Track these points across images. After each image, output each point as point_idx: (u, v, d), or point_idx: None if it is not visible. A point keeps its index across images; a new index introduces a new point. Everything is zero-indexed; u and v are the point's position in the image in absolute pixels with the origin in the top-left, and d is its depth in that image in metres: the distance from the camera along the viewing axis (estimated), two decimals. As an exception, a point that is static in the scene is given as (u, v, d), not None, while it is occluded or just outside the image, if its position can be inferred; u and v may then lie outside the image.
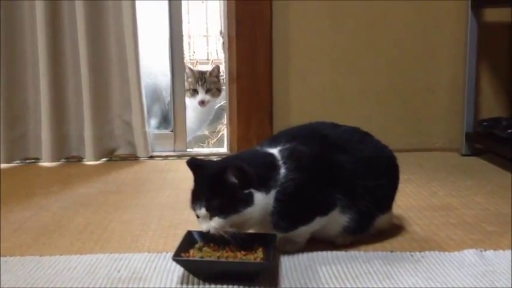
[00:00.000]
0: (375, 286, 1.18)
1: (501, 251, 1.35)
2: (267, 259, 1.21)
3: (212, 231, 1.22)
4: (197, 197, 1.24)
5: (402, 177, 1.48)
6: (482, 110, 2.58)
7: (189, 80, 2.88)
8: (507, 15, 2.48)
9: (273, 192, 1.27)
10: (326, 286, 1.19)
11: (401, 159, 1.48)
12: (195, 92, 2.88)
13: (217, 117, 3.33)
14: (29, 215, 1.71)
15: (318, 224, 1.33)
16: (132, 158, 2.51)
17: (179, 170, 2.31)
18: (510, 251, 1.36)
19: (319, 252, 1.35)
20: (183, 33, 2.67)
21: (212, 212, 1.22)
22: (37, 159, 2.47)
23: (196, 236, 1.30)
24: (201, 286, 1.19)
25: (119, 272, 1.27)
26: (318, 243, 1.38)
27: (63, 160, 2.47)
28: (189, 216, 1.57)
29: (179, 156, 2.55)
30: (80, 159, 2.49)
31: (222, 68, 2.93)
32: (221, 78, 2.97)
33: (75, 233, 1.54)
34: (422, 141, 2.61)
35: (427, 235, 1.50)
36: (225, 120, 3.09)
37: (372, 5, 2.53)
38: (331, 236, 1.40)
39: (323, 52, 2.57)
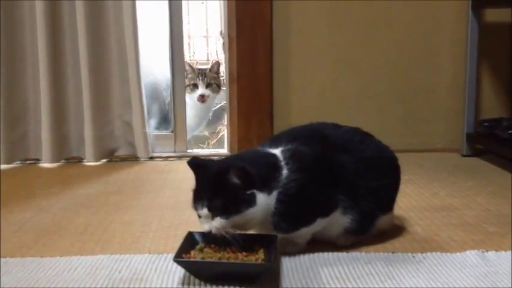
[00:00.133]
0: (377, 287, 1.18)
1: (503, 252, 1.35)
2: (268, 260, 1.21)
3: (214, 231, 1.22)
4: (199, 197, 1.24)
5: (403, 177, 1.47)
6: (483, 111, 2.58)
7: (189, 76, 2.88)
8: (508, 16, 2.48)
9: (274, 193, 1.27)
10: (327, 287, 1.19)
11: (402, 159, 1.48)
12: (195, 86, 2.88)
13: (217, 118, 3.33)
14: (29, 216, 1.71)
15: (319, 225, 1.33)
16: (133, 158, 2.51)
17: (179, 170, 2.30)
18: (511, 251, 1.35)
19: (321, 253, 1.35)
20: (183, 34, 2.66)
21: (214, 212, 1.21)
22: (37, 160, 2.47)
23: (197, 237, 1.30)
24: (202, 287, 1.18)
25: (119, 273, 1.26)
26: (319, 244, 1.38)
27: (63, 161, 2.47)
28: (189, 217, 1.58)
29: (179, 157, 2.55)
30: (80, 159, 2.49)
31: (222, 68, 2.93)
32: (221, 75, 2.98)
33: (76, 234, 1.54)
34: (422, 142, 2.61)
35: (428, 236, 1.49)
36: (224, 121, 3.09)
37: (373, 5, 2.53)
38: (332, 236, 1.39)
39: (323, 52, 2.57)
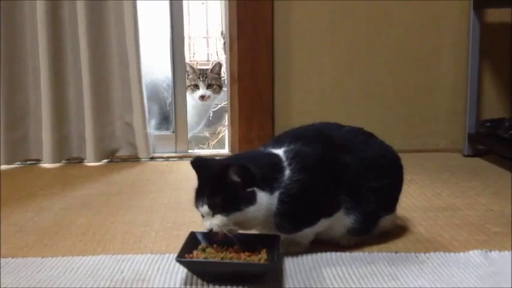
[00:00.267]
0: (380, 287, 1.17)
1: (506, 252, 1.35)
2: (271, 260, 1.21)
3: (215, 229, 1.21)
4: (200, 195, 1.24)
5: (405, 178, 1.47)
6: (485, 111, 2.57)
7: (190, 76, 2.87)
8: (509, 16, 2.47)
9: (276, 193, 1.26)
10: (331, 287, 1.18)
11: (404, 159, 1.47)
12: (195, 87, 2.88)
13: (217, 119, 3.32)
14: (30, 216, 1.70)
15: (322, 225, 1.32)
16: (133, 159, 2.50)
17: (180, 171, 2.30)
18: (511, 252, 1.35)
19: (323, 254, 1.34)
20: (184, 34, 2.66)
21: (214, 210, 1.21)
22: (38, 160, 2.46)
23: (199, 237, 1.30)
24: (204, 287, 1.18)
25: (122, 273, 1.26)
26: (322, 244, 1.37)
27: (64, 161, 2.46)
28: (191, 217, 1.58)
29: (180, 157, 2.55)
30: (81, 160, 2.48)
31: (223, 69, 2.93)
32: (222, 76, 2.97)
33: (77, 234, 1.54)
34: (424, 142, 2.60)
35: (431, 236, 1.49)
36: (225, 122, 3.09)
37: (374, 5, 2.52)
38: (335, 237, 1.39)
39: (325, 52, 2.56)
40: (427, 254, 1.34)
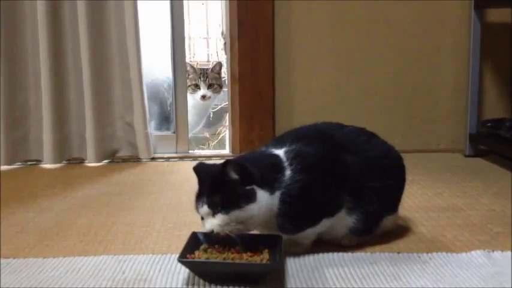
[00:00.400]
0: (383, 287, 1.17)
1: (509, 252, 1.34)
2: (273, 260, 1.20)
3: (216, 229, 1.20)
4: (199, 197, 1.24)
5: (406, 178, 1.46)
6: (486, 111, 2.57)
7: (190, 76, 2.87)
8: (510, 16, 2.47)
9: (277, 194, 1.26)
10: (333, 287, 1.18)
11: (405, 160, 1.46)
12: (196, 87, 2.89)
13: (217, 119, 3.32)
14: (31, 217, 1.70)
15: (324, 225, 1.32)
16: (134, 159, 2.50)
17: (181, 171, 2.30)
18: (511, 252, 1.35)
19: (325, 254, 1.34)
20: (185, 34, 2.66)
21: (214, 209, 1.20)
22: (38, 161, 2.46)
23: (201, 237, 1.29)
24: (206, 287, 1.18)
25: (123, 273, 1.25)
26: (324, 244, 1.37)
27: (64, 162, 2.46)
28: (192, 218, 1.57)
29: (181, 158, 2.54)
30: (81, 160, 2.48)
31: (224, 69, 2.93)
32: (222, 75, 2.98)
33: (79, 235, 1.53)
34: (425, 142, 2.60)
35: (433, 236, 1.49)
36: (225, 122, 3.08)
37: (375, 5, 2.52)
38: (337, 237, 1.39)
39: (325, 52, 2.56)
40: (429, 254, 1.34)
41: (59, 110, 2.40)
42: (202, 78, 2.88)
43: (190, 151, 2.64)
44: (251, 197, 1.21)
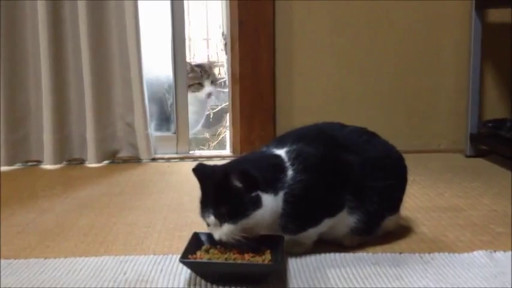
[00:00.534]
0: (385, 287, 1.17)
1: (511, 253, 1.34)
2: (275, 261, 1.20)
3: (224, 238, 1.21)
4: (205, 205, 1.23)
5: (408, 178, 1.46)
6: (487, 111, 2.57)
7: (190, 75, 2.87)
8: (511, 16, 2.47)
9: (281, 194, 1.25)
10: (335, 287, 1.17)
11: (406, 160, 1.46)
12: (200, 85, 2.89)
13: (217, 120, 3.32)
14: (32, 218, 1.69)
15: (326, 225, 1.32)
16: (135, 160, 2.50)
17: (182, 172, 2.29)
18: (511, 251, 1.34)
19: (327, 254, 1.34)
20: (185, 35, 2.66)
21: (221, 219, 1.20)
22: (39, 161, 2.45)
23: (202, 237, 1.29)
24: (208, 288, 1.18)
25: (125, 274, 1.25)
26: (326, 244, 1.37)
27: (65, 162, 2.46)
28: (193, 218, 1.56)
29: (182, 158, 2.54)
30: (82, 161, 2.48)
31: (224, 70, 2.93)
32: (222, 76, 3.02)
33: (80, 235, 1.53)
34: (426, 143, 2.60)
35: (435, 236, 1.48)
36: (225, 123, 3.08)
37: (376, 5, 2.52)
38: (338, 237, 1.38)
39: (326, 53, 2.56)
40: (431, 255, 1.33)
41: (59, 110, 2.40)
42: (205, 76, 2.88)
43: (190, 152, 2.64)
44: (257, 204, 1.21)
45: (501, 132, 2.32)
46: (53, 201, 1.88)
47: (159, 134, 2.64)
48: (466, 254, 1.33)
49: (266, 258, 1.21)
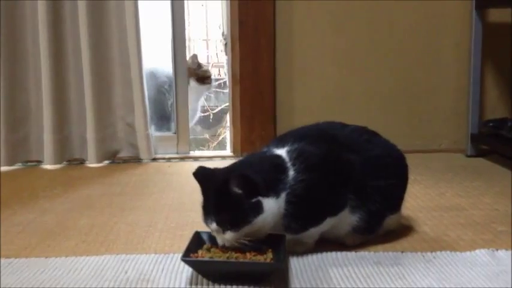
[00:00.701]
0: (387, 286, 1.16)
1: (513, 251, 1.34)
2: (277, 260, 1.20)
3: (227, 244, 1.21)
4: (207, 212, 1.22)
5: (409, 178, 1.46)
6: (487, 111, 2.57)
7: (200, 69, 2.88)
8: (511, 16, 2.47)
9: (283, 195, 1.25)
10: (338, 286, 1.17)
11: (407, 160, 1.46)
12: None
13: (217, 121, 3.32)
14: (33, 217, 1.69)
15: (328, 224, 1.32)
16: (135, 160, 2.49)
17: (182, 172, 2.29)
18: (511, 250, 1.34)
19: (329, 253, 1.34)
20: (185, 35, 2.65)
21: (224, 227, 1.20)
22: (39, 161, 2.45)
23: (204, 236, 1.29)
24: (210, 287, 1.17)
25: (126, 273, 1.25)
26: (328, 243, 1.36)
27: (65, 163, 2.45)
28: (194, 218, 1.57)
29: (182, 158, 2.54)
30: (82, 161, 2.47)
31: (224, 70, 2.93)
32: (222, 76, 3.01)
33: (81, 235, 1.53)
34: (427, 143, 2.60)
35: (437, 235, 1.48)
36: (225, 123, 3.08)
37: (376, 5, 2.52)
38: (340, 236, 1.38)
39: (327, 53, 2.56)
40: (433, 254, 1.33)
41: (59, 110, 2.40)
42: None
43: (191, 152, 2.63)
44: (258, 210, 1.20)
45: (502, 131, 2.32)
46: (53, 201, 1.87)
47: (159, 134, 2.64)
48: (468, 253, 1.33)
49: (268, 257, 1.21)
